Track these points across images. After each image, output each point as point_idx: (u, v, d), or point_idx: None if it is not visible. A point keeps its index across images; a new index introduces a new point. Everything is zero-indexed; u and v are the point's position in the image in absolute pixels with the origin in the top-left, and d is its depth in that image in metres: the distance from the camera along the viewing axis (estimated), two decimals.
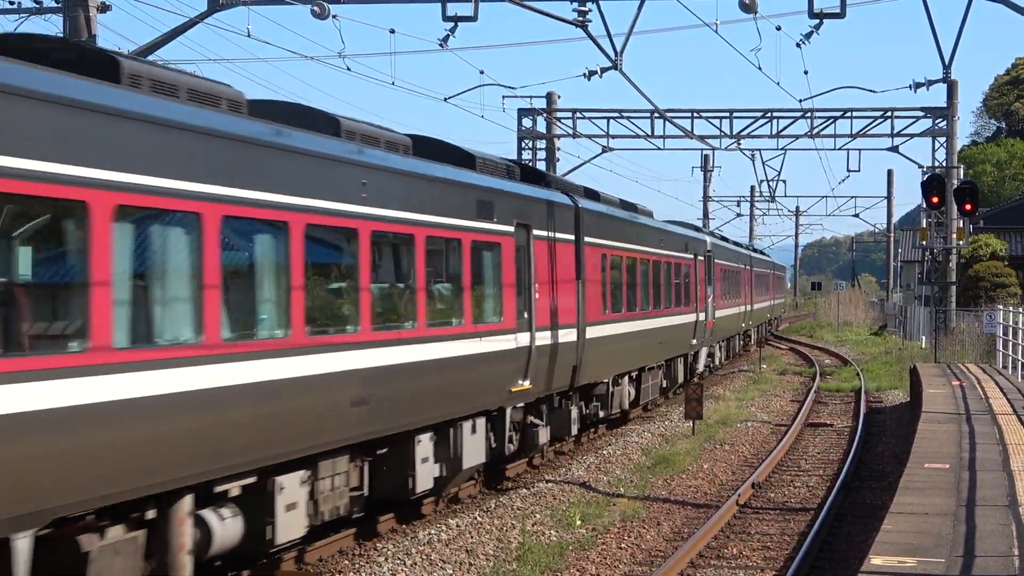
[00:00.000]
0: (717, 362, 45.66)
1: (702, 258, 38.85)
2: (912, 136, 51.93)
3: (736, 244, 57.88)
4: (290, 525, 13.64)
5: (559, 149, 52.73)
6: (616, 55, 29.38)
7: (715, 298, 41.53)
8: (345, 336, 14.74)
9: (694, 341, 37.05)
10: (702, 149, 70.49)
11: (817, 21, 30.38)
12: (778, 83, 53.18)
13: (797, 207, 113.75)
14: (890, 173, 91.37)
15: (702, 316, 38.06)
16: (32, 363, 9.84)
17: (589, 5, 28.62)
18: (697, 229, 42.01)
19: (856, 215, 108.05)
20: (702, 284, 38.52)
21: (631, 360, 28.23)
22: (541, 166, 51.37)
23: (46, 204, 10.23)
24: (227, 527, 12.64)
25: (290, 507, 13.63)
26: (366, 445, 15.77)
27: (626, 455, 25.05)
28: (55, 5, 30.03)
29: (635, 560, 16.41)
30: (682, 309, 34.82)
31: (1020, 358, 32.82)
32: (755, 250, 70.05)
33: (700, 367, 39.75)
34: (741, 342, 57.50)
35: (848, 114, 51.70)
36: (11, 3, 30.79)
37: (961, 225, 48.31)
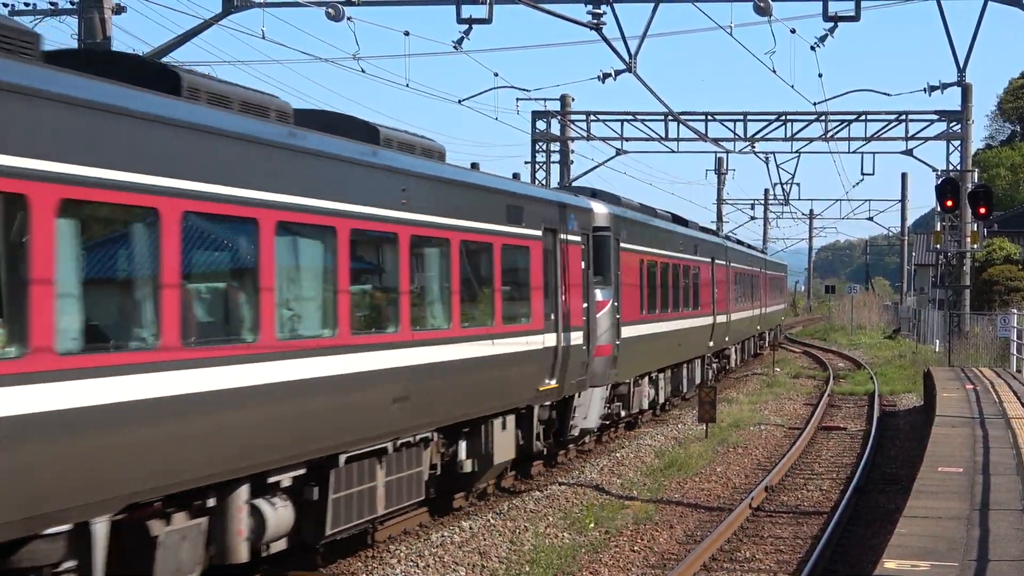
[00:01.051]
0: (592, 424, 24.41)
1: (542, 235, 20.75)
2: (926, 139, 51.91)
3: (708, 230, 44.50)
4: None
5: (573, 152, 52.81)
6: (630, 58, 29.44)
7: (604, 309, 24.59)
8: None
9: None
10: (716, 152, 70.60)
11: (832, 24, 30.46)
12: (792, 86, 53.46)
13: (811, 210, 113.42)
14: (904, 176, 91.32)
15: (550, 341, 20.84)
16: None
17: (603, 8, 28.72)
18: (565, 195, 23.85)
19: (870, 218, 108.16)
20: (537, 291, 20.50)
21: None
22: (555, 168, 51.49)
23: None
24: None
25: None
26: None
27: (639, 458, 25.04)
28: (70, 7, 30.18)
29: (648, 563, 16.41)
30: (370, 339, 15.03)
31: None
32: (730, 238, 54.39)
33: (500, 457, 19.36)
34: (714, 366, 41.28)
35: (862, 117, 51.68)
36: (27, 5, 30.97)
37: (975, 229, 48.23)
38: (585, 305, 22.89)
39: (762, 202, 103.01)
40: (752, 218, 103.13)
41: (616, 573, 15.79)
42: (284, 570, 14.67)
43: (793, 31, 32.38)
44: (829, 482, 23.14)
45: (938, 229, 49.49)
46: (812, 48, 31.52)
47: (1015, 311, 39.32)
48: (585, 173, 55.35)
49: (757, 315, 54.52)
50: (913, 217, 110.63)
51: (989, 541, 12.02)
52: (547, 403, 21.54)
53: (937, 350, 53.53)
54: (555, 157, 52.07)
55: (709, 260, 38.86)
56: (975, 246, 50.65)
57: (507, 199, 19.59)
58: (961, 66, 31.76)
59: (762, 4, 26.41)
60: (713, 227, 60.78)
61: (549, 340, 20.95)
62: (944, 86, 39.54)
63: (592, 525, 18.21)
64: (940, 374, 33.45)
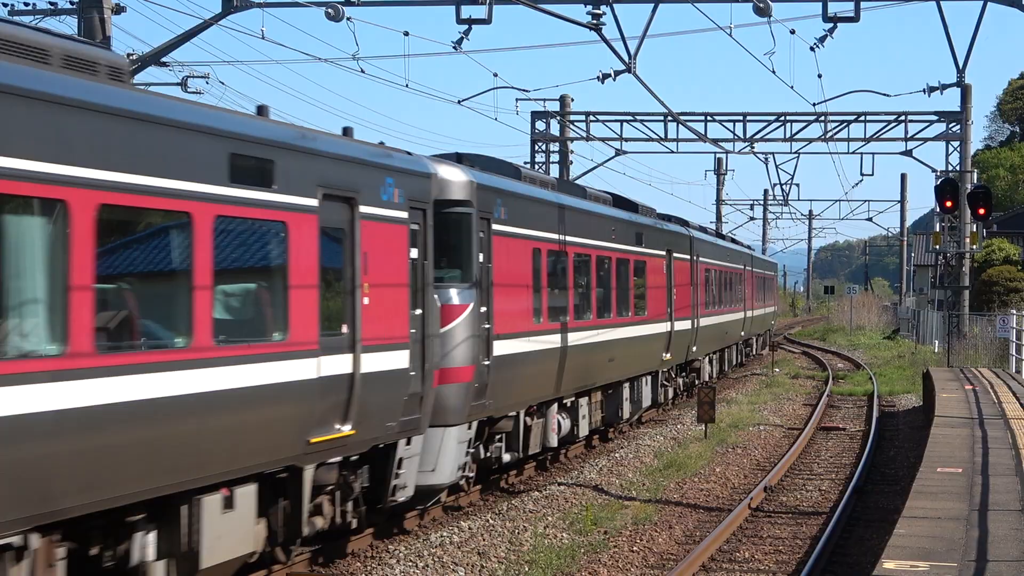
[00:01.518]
0: (444, 478, 18.70)
1: (318, 205, 14.25)
2: (926, 140, 51.89)
3: (670, 217, 36.09)
4: None
5: (572, 152, 52.82)
6: (630, 58, 29.42)
7: None
8: None
9: None
10: (715, 152, 70.60)
11: (831, 25, 30.47)
12: (792, 87, 53.32)
13: (810, 211, 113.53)
14: (903, 177, 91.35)
15: (337, 366, 14.66)
16: None
17: (603, 8, 28.70)
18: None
19: (869, 219, 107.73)
20: (305, 290, 14.23)
21: None
22: (555, 169, 51.49)
23: None
24: None
25: None
26: None
27: (638, 458, 25.04)
28: (70, 6, 30.17)
29: (647, 563, 16.41)
30: None
31: None
32: (706, 230, 44.15)
33: None
34: (679, 381, 35.72)
35: (862, 118, 51.63)
36: (26, 4, 30.95)
37: (974, 229, 48.21)
38: (418, 312, 16.69)
39: (761, 203, 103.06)
40: (751, 219, 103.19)
41: (615, 573, 15.79)
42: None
43: (793, 32, 32.46)
44: (828, 482, 23.14)
45: (937, 230, 49.46)
46: (812, 49, 31.53)
47: (1014, 312, 39.32)
48: (585, 173, 55.38)
49: (740, 319, 48.17)
50: (912, 218, 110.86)
51: (988, 542, 12.02)
52: (335, 460, 14.73)
53: (936, 351, 53.55)
54: (555, 158, 52.09)
55: (664, 253, 31.76)
56: (974, 247, 50.64)
57: (232, 145, 12.50)
58: (960, 67, 31.78)
59: (762, 5, 26.40)
60: (712, 227, 59.36)
61: (335, 365, 14.37)
62: (943, 87, 39.56)
63: (591, 525, 18.21)
64: (939, 375, 33.45)
